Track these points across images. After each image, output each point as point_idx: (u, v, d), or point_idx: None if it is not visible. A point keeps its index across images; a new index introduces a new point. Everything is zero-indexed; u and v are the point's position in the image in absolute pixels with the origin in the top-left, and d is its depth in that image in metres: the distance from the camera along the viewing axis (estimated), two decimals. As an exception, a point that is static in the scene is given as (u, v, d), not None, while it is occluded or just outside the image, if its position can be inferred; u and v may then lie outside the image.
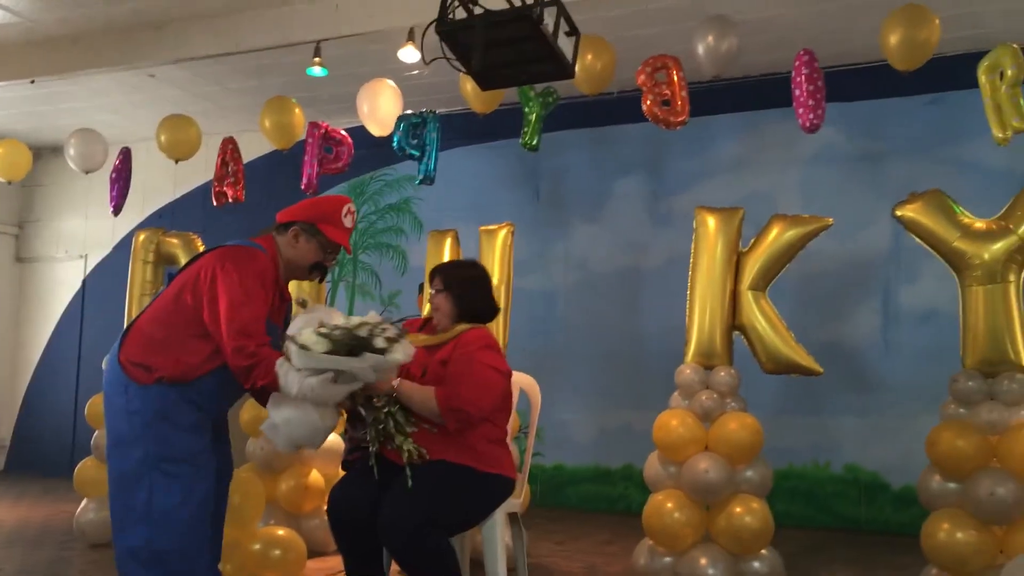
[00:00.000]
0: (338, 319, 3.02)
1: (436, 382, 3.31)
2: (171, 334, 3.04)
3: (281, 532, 4.38)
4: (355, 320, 2.96)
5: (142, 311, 3.21)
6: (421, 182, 5.72)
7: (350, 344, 2.86)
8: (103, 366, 5.76)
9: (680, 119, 4.97)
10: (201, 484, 3.04)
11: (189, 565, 3.02)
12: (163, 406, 2.99)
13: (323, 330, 2.88)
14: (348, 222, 3.30)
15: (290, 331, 2.98)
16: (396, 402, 3.21)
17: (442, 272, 3.62)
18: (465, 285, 3.56)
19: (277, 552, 4.24)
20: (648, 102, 5.01)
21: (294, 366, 2.85)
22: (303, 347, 2.81)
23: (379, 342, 2.90)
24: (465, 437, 3.30)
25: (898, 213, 4.33)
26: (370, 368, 2.89)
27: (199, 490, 3.03)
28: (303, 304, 3.32)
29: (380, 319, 3.01)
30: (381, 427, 3.18)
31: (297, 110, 6.10)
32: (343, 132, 6.07)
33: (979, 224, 4.21)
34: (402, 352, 2.97)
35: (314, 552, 4.89)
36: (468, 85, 5.47)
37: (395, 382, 3.21)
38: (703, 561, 4.16)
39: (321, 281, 3.55)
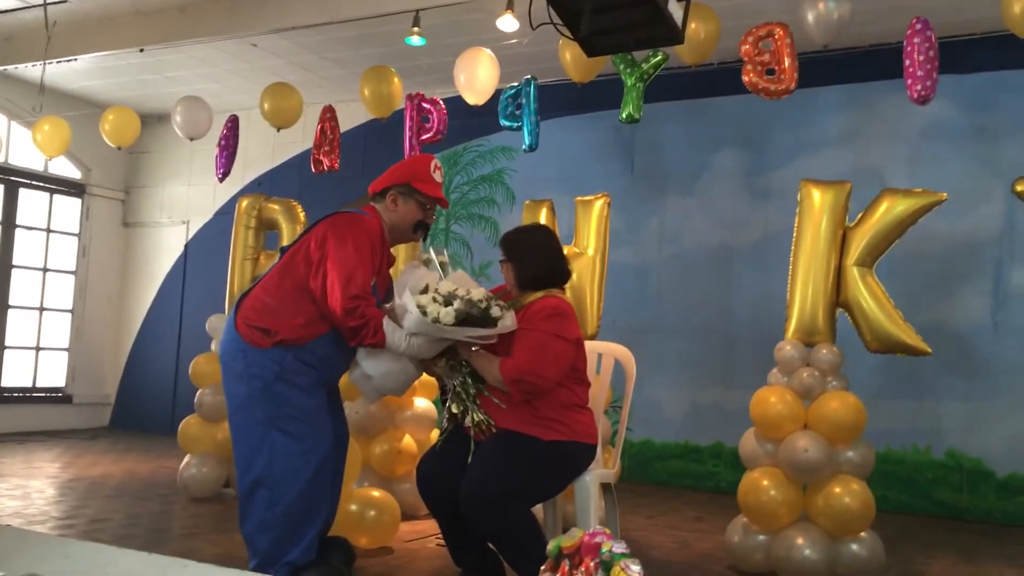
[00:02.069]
0: (434, 280, 3.18)
1: (505, 352, 3.29)
2: (286, 299, 3.16)
3: (376, 494, 4.45)
4: (476, 292, 3.14)
5: (255, 281, 3.32)
6: (527, 151, 5.73)
7: (471, 316, 3.05)
8: (207, 328, 5.95)
9: (785, 87, 4.81)
10: (321, 443, 3.15)
11: (308, 525, 3.13)
12: (281, 369, 3.10)
13: (440, 298, 3.05)
14: (438, 176, 3.42)
15: (402, 296, 3.09)
16: (469, 366, 3.28)
17: (505, 241, 3.56)
18: (526, 252, 3.49)
19: (372, 513, 4.32)
20: (750, 75, 4.86)
21: (413, 331, 3.02)
22: (436, 321, 3.01)
23: (495, 311, 3.11)
24: (533, 405, 3.28)
25: (1019, 188, 4.14)
26: (487, 337, 3.14)
27: (320, 449, 3.14)
28: (426, 262, 3.40)
29: (480, 292, 3.18)
30: (458, 388, 3.28)
31: (395, 79, 6.15)
32: (436, 99, 6.10)
33: (1107, 202, 3.99)
34: (511, 319, 3.16)
35: (406, 515, 4.96)
36: (567, 54, 5.42)
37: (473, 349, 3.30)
38: (800, 541, 4.07)
39: (425, 239, 3.61)
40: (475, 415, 3.23)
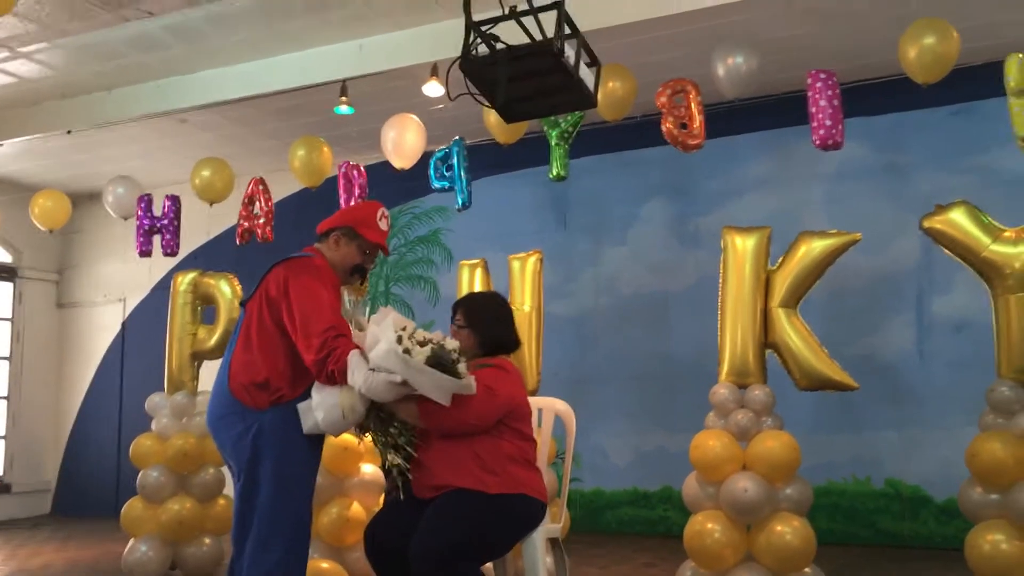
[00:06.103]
0: (411, 326, 3.16)
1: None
2: (265, 349, 3.17)
3: (325, 565, 4.43)
4: (450, 343, 3.13)
5: (230, 345, 3.30)
6: (460, 209, 5.81)
7: (441, 362, 3.04)
8: (147, 407, 5.86)
9: (696, 142, 5.01)
10: (308, 504, 3.21)
11: None
12: (280, 429, 3.12)
13: (417, 338, 3.05)
14: (383, 225, 3.48)
15: (380, 324, 3.09)
16: (392, 416, 3.24)
17: (464, 306, 3.62)
18: (488, 319, 3.56)
19: (322, 585, 4.29)
20: (668, 124, 5.05)
21: (381, 362, 2.98)
22: (406, 352, 2.98)
23: (461, 369, 3.10)
24: (480, 459, 3.29)
25: (926, 225, 4.33)
26: (447, 389, 3.07)
27: (307, 509, 3.20)
28: None
29: (454, 343, 3.18)
30: (375, 427, 3.24)
31: (325, 148, 6.21)
32: (357, 165, 6.16)
33: (1008, 233, 4.20)
34: (472, 384, 3.15)
35: (357, 584, 4.93)
36: (492, 117, 5.55)
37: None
38: (746, 581, 4.15)
39: (362, 284, 3.64)
40: (393, 460, 3.22)
